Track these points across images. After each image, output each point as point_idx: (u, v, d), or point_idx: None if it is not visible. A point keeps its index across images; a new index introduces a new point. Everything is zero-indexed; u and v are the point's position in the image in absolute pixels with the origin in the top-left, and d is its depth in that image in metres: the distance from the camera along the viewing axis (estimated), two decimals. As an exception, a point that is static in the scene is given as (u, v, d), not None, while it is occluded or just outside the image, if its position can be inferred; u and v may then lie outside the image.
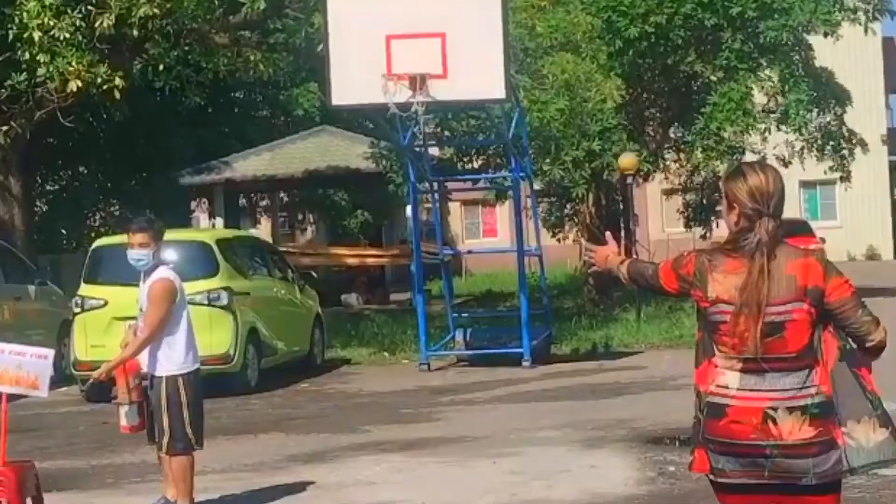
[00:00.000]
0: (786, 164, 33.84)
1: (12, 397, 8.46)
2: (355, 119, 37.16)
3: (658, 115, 34.54)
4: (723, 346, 5.50)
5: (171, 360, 9.66)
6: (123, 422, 9.54)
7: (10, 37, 22.49)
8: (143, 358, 9.50)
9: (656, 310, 27.14)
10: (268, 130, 39.54)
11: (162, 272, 9.80)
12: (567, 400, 16.37)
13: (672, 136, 35.33)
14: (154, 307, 9.57)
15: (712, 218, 37.55)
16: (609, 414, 14.78)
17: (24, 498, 8.25)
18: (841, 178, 35.80)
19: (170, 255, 18.97)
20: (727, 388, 5.49)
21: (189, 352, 9.78)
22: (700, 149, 32.64)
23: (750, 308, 5.39)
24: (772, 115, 33.34)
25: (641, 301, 27.00)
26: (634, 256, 30.84)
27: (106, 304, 18.21)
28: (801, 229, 33.03)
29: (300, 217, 52.15)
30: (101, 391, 18.37)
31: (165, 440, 9.64)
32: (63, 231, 40.11)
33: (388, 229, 49.59)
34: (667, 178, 38.27)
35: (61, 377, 18.28)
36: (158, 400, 9.64)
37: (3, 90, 25.69)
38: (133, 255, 9.68)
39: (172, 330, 9.68)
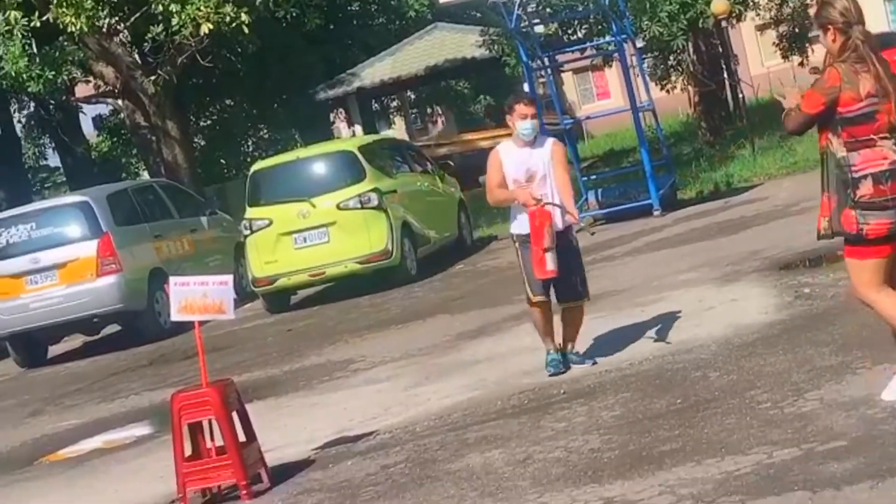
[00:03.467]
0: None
1: (203, 322, 8.59)
2: (463, 11, 36.91)
3: (741, -44, 33.81)
4: (877, 130, 6.78)
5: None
6: (550, 266, 9.59)
7: (143, -8, 22.67)
8: (557, 215, 9.66)
9: (768, 142, 26.73)
10: (386, 36, 39.45)
11: (550, 137, 10.20)
12: (699, 241, 16.22)
13: (758, -28, 34.54)
14: (562, 166, 9.89)
15: (807, 45, 36.76)
16: (740, 248, 14.63)
17: (229, 413, 8.39)
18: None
19: (318, 166, 19.28)
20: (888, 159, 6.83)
21: None
22: (786, -21, 31.95)
23: (888, 94, 6.73)
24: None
25: (753, 135, 26.61)
26: (741, 95, 30.40)
27: (271, 223, 18.41)
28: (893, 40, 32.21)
29: (429, 111, 52.14)
30: (280, 302, 18.71)
31: (581, 287, 10.01)
32: (222, 161, 40.54)
33: (510, 108, 49.31)
34: (758, 15, 37.45)
35: (243, 295, 18.59)
36: (572, 251, 9.94)
37: (145, 43, 25.99)
38: (522, 125, 9.80)
39: None
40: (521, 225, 9.84)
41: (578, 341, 10.20)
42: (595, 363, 9.92)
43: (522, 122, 9.78)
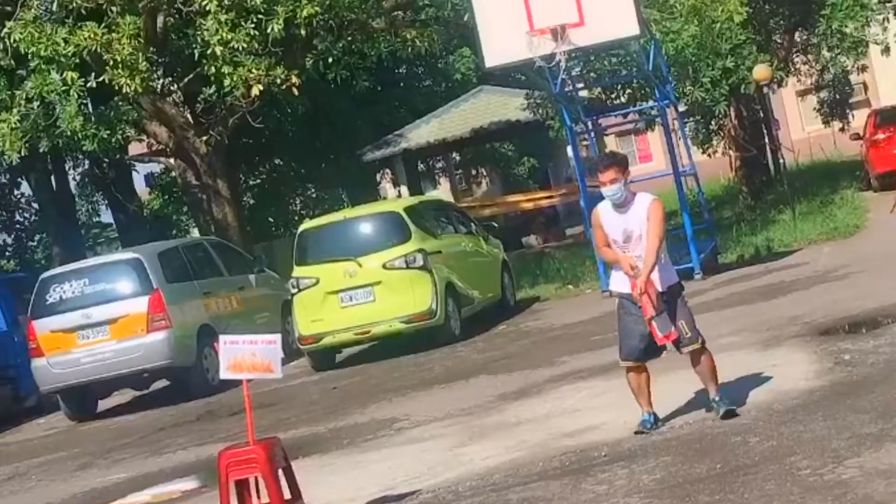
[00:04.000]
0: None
1: (251, 380, 8.65)
2: (508, 75, 36.93)
3: (782, 23, 33.87)
4: None
5: (671, 269, 9.97)
6: (659, 333, 9.59)
7: (196, 55, 22.92)
8: (655, 276, 9.61)
9: (808, 206, 26.69)
10: (433, 98, 39.59)
11: (648, 195, 9.86)
12: (740, 305, 16.17)
13: (798, 40, 34.62)
14: (657, 224, 9.67)
15: (847, 111, 36.79)
16: (781, 312, 14.59)
17: (275, 470, 8.42)
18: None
19: (364, 227, 19.37)
20: None
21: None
22: (826, 48, 32.02)
23: None
24: (888, 5, 32.52)
25: (794, 201, 26.56)
26: (782, 160, 30.32)
27: (318, 281, 18.49)
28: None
29: (474, 172, 52.17)
30: (326, 360, 18.76)
31: (689, 332, 9.76)
32: (270, 220, 40.71)
33: (553, 171, 49.44)
34: (799, 81, 37.58)
35: (289, 352, 18.62)
36: (677, 307, 9.79)
37: (197, 104, 26.24)
38: (607, 191, 9.71)
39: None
40: (618, 282, 9.90)
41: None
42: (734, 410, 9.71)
43: (606, 188, 9.70)
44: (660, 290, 9.62)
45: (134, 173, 41.03)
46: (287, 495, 8.49)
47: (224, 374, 8.63)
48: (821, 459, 7.89)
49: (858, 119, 37.53)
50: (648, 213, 9.68)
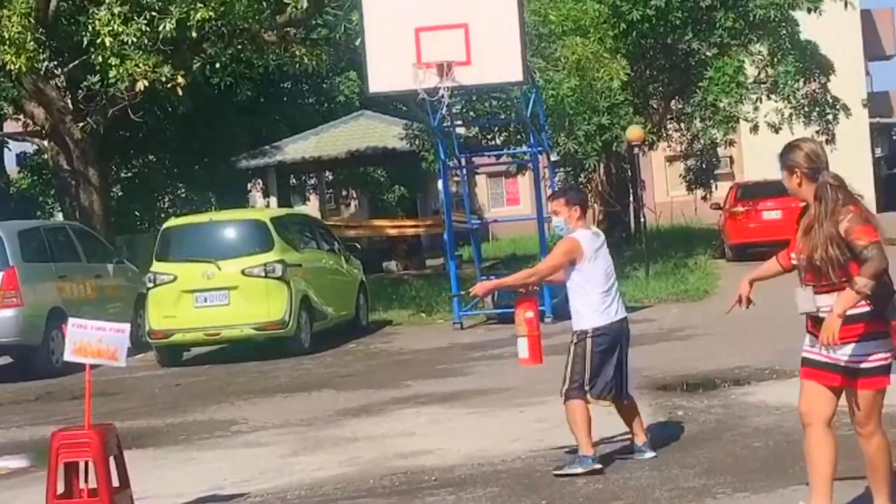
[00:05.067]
0: (776, 130, 33.70)
1: (94, 366, 8.50)
2: (391, 103, 37.01)
3: (660, 89, 34.45)
4: None
5: (581, 318, 9.20)
6: (518, 353, 9.54)
7: (85, 42, 22.61)
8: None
9: (663, 267, 27.04)
10: (313, 116, 39.47)
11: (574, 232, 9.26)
12: (585, 352, 16.26)
13: (673, 108, 35.23)
14: (551, 255, 9.51)
15: (711, 181, 37.41)
16: (623, 364, 14.69)
17: (107, 457, 8.27)
18: (827, 140, 35.62)
19: (228, 231, 19.21)
20: None
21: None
22: (698, 119, 32.64)
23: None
24: (762, 86, 33.24)
25: (650, 259, 26.90)
26: (643, 219, 30.71)
27: (175, 278, 18.28)
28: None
29: (344, 193, 52.05)
30: (173, 357, 18.54)
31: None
32: (137, 213, 40.22)
33: (422, 202, 49.47)
34: (669, 147, 38.19)
35: (137, 345, 18.38)
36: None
37: (79, 90, 25.85)
38: (554, 222, 9.47)
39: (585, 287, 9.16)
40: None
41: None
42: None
43: (553, 217, 9.51)
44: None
45: (6, 150, 40.27)
46: (116, 483, 8.33)
47: (68, 356, 8.47)
48: (642, 507, 7.97)
49: (721, 190, 38.18)
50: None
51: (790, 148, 6.89)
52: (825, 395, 6.76)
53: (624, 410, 9.49)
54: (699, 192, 37.95)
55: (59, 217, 35.54)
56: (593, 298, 9.14)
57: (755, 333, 15.70)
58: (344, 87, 40.30)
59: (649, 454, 9.30)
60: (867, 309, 6.54)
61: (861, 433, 6.75)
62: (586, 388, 9.07)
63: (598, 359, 9.11)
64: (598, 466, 8.95)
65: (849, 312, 6.47)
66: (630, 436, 9.52)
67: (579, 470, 8.92)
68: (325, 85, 41.21)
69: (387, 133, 34.73)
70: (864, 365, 6.65)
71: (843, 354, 6.63)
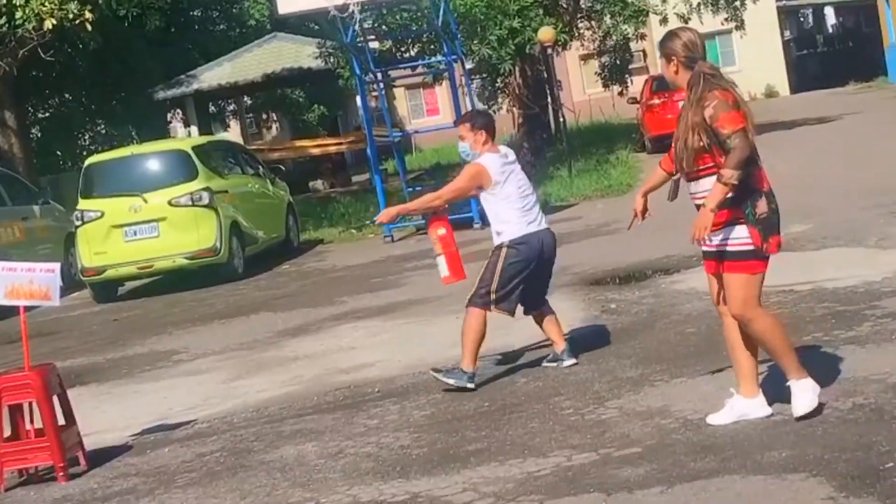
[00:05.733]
0: (686, 20, 33.68)
1: (29, 308, 8.42)
2: (302, 23, 36.74)
3: (569, -12, 34.29)
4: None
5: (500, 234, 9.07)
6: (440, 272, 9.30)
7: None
8: None
9: (585, 164, 27.12)
10: (225, 43, 39.11)
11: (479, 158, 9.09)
12: (515, 254, 16.30)
13: (583, 6, 35.06)
14: (456, 179, 9.27)
15: (626, 76, 37.45)
16: (553, 262, 14.75)
17: (50, 396, 8.23)
18: (736, 26, 35.80)
19: (151, 163, 19.01)
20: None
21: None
22: (609, 15, 32.51)
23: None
24: (668, -24, 33.22)
25: (572, 158, 26.96)
26: (563, 119, 30.73)
27: (103, 215, 18.13)
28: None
29: (264, 117, 51.74)
30: (108, 293, 18.41)
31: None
32: (58, 153, 39.71)
33: (343, 119, 49.36)
34: (583, 45, 38.07)
35: (70, 284, 18.23)
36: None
37: (-13, 34, 25.40)
38: (459, 146, 9.28)
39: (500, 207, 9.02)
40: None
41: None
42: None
43: (460, 143, 9.34)
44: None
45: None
46: (61, 421, 8.30)
47: (1, 300, 8.39)
48: (583, 400, 8.03)
49: (637, 84, 38.26)
50: None
51: (669, 36, 6.84)
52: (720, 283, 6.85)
53: (541, 320, 9.40)
54: (615, 88, 37.97)
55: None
56: (510, 216, 9.01)
57: (680, 221, 15.76)
58: (254, 10, 40.00)
59: (569, 361, 9.11)
60: (729, 195, 6.54)
61: (740, 321, 6.78)
62: (491, 296, 8.96)
63: (510, 270, 8.97)
64: (471, 386, 8.79)
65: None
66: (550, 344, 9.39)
67: (451, 382, 8.82)
68: (234, 10, 40.84)
69: (301, 53, 34.49)
70: (729, 248, 6.71)
71: (713, 240, 6.69)
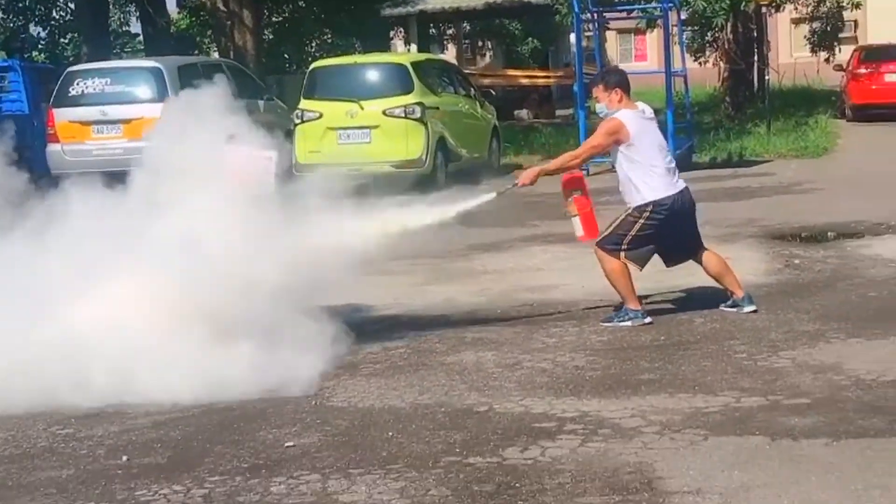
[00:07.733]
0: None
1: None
2: (528, -41, 36.44)
3: (791, -50, 33.33)
4: None
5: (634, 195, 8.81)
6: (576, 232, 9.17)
7: None
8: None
9: (784, 124, 26.44)
10: (455, -30, 39.01)
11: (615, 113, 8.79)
12: (706, 201, 15.81)
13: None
14: (593, 136, 9.02)
15: (835, 44, 36.37)
16: (742, 214, 14.47)
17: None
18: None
19: (371, 73, 19.11)
20: None
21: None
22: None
23: None
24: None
25: (772, 116, 26.32)
26: (767, 78, 30.04)
27: (321, 115, 18.35)
28: None
29: (480, 44, 51.68)
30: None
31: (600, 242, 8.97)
32: (286, 56, 40.27)
33: (554, 54, 48.87)
34: (796, 9, 37.02)
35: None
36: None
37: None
38: (598, 107, 8.99)
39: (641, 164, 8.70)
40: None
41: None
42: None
43: (597, 105, 9.06)
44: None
45: (167, -9, 40.40)
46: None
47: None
48: (757, 347, 7.83)
49: (844, 53, 37.12)
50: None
51: None
52: None
53: (711, 271, 9.03)
54: (822, 55, 36.90)
55: (215, 55, 35.72)
56: (650, 173, 8.66)
57: (873, 189, 15.33)
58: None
59: (749, 308, 8.80)
60: None
61: None
62: (622, 247, 8.72)
63: (645, 231, 8.67)
64: (648, 320, 8.61)
65: None
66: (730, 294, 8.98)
67: (628, 323, 8.61)
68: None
69: (524, -14, 34.28)
70: None
71: None
